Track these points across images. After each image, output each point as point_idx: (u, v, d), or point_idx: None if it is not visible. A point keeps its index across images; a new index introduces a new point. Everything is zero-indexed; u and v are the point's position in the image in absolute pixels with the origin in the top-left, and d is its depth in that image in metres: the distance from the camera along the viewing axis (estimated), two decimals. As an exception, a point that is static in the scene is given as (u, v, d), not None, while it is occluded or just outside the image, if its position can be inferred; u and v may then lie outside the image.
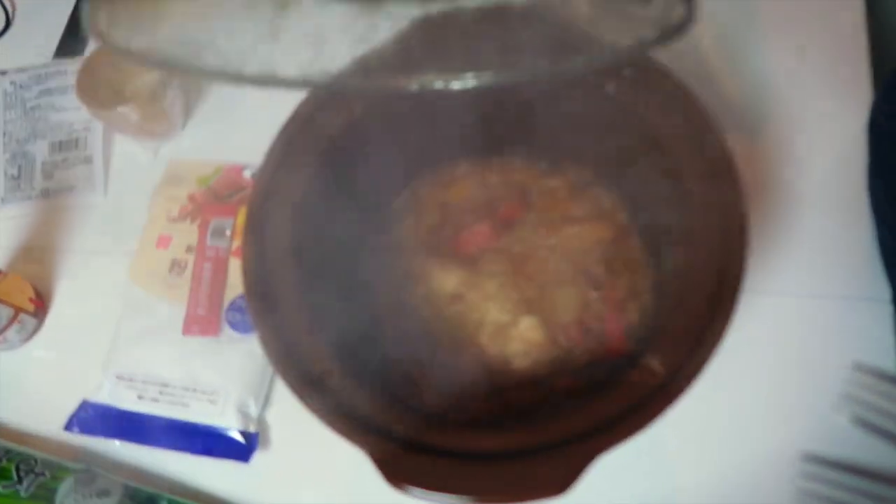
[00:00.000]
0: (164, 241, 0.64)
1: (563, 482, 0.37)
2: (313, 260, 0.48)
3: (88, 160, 0.71)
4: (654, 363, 0.40)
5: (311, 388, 0.41)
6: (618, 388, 0.40)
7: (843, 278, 0.57)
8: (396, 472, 0.38)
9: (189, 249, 0.64)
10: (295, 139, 0.50)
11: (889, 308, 0.55)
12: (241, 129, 0.71)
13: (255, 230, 0.47)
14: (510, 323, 0.52)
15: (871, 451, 0.51)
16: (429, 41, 0.33)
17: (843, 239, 0.59)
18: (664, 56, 0.49)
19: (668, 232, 0.49)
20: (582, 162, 0.56)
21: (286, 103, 0.52)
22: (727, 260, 0.42)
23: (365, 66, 0.31)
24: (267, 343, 0.43)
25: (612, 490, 0.52)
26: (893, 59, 0.59)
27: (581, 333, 0.51)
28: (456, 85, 0.30)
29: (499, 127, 0.54)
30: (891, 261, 0.56)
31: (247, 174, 0.68)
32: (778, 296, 0.57)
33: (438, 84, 0.30)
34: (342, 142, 0.51)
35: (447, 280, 0.54)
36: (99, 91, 0.68)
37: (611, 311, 0.52)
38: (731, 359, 0.53)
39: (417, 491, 0.37)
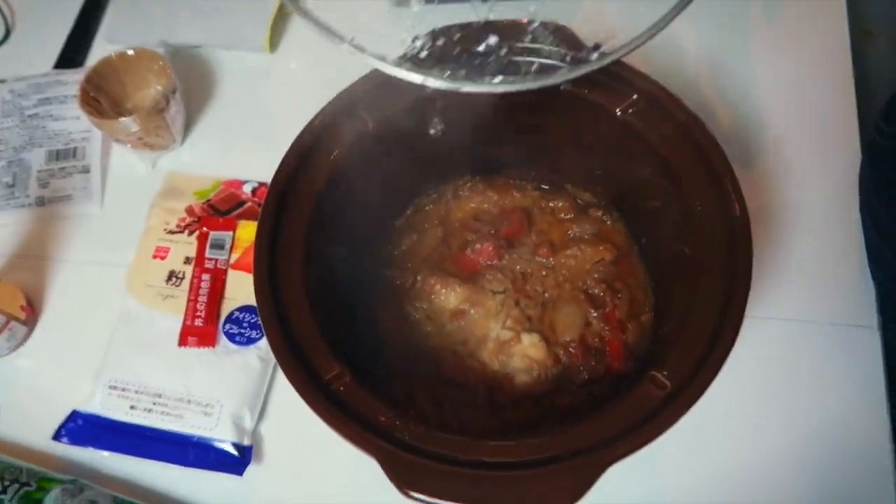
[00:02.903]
0: (161, 253, 0.64)
1: (574, 494, 0.37)
2: (320, 272, 0.48)
3: (86, 170, 0.70)
4: (661, 377, 0.40)
5: (322, 394, 0.40)
6: (626, 401, 0.40)
7: (835, 306, 0.58)
8: (404, 478, 0.38)
9: (187, 261, 0.63)
10: (308, 152, 0.50)
11: (877, 334, 0.57)
12: (240, 146, 0.71)
13: (266, 243, 0.47)
14: (512, 340, 0.52)
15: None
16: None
17: (836, 269, 0.60)
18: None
19: (672, 253, 0.50)
20: (585, 184, 0.57)
21: (286, 122, 0.52)
22: (733, 280, 0.43)
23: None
24: (278, 351, 0.42)
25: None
26: (878, 89, 0.60)
27: (582, 351, 0.51)
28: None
29: (505, 146, 0.55)
30: (876, 258, 0.57)
31: (246, 189, 0.68)
32: (772, 320, 0.58)
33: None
34: (352, 154, 0.51)
35: (449, 296, 0.54)
36: (101, 102, 0.68)
37: (611, 331, 0.52)
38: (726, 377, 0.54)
39: (425, 498, 0.37)
